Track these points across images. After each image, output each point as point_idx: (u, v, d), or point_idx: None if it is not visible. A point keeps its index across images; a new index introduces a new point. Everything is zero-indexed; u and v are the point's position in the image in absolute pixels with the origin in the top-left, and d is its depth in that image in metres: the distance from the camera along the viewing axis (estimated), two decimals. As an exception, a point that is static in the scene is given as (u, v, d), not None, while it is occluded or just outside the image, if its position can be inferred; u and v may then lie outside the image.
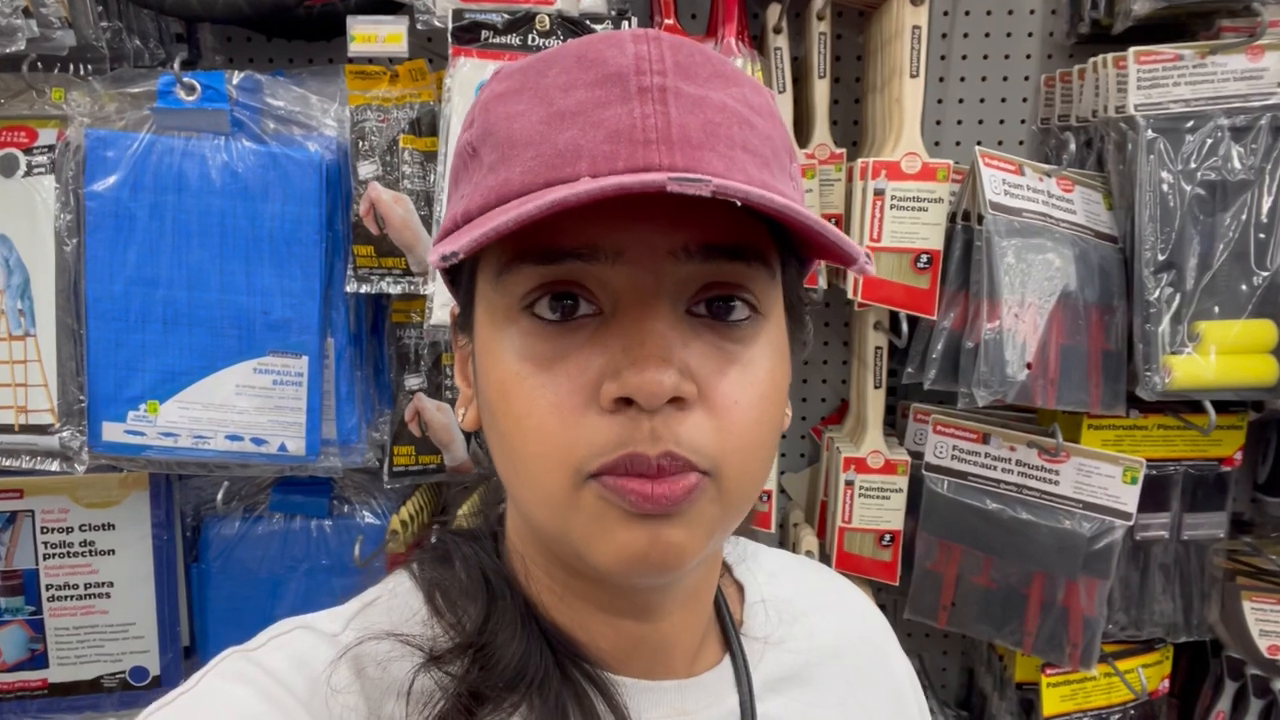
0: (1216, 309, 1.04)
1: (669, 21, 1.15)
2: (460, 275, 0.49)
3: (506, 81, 0.45)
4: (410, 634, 0.48)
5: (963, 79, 1.29)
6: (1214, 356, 1.04)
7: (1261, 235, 1.04)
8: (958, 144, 1.30)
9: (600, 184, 0.37)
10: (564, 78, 0.42)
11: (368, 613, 0.50)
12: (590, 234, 0.41)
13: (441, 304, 0.99)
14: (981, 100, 1.29)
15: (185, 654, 1.21)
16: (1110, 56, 1.09)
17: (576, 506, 0.42)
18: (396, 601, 0.51)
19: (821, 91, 1.18)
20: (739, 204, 0.38)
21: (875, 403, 1.20)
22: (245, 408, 1.05)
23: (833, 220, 1.17)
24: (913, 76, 1.10)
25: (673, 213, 0.40)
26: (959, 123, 1.29)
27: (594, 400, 0.41)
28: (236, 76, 1.02)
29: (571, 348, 0.42)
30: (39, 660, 1.17)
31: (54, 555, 1.15)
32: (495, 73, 0.47)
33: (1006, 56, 1.28)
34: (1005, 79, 1.29)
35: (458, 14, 0.99)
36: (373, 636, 0.47)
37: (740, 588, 0.61)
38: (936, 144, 1.29)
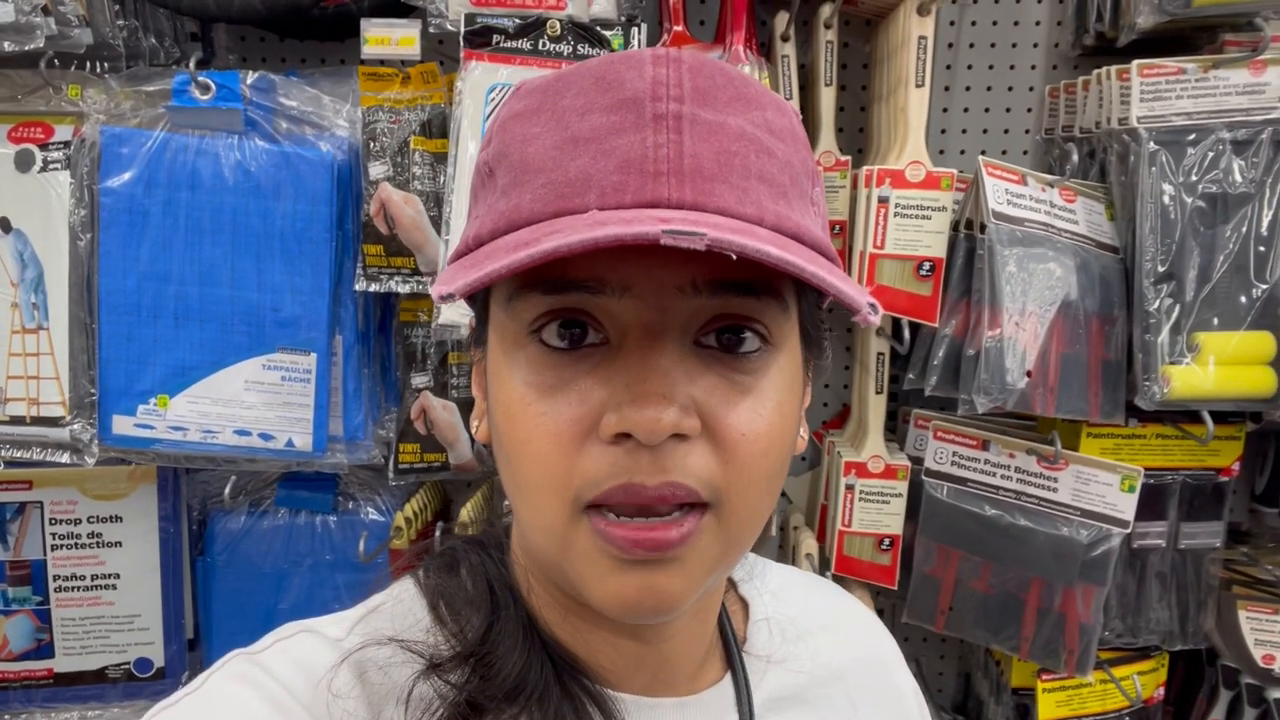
0: (1216, 320, 1.05)
1: (678, 28, 1.16)
2: (476, 292, 0.49)
3: (525, 100, 0.45)
4: (413, 640, 0.48)
5: (968, 89, 1.30)
6: (1212, 367, 1.05)
7: (1261, 248, 1.05)
8: (962, 153, 1.31)
9: (595, 234, 0.36)
10: (580, 100, 0.42)
11: (371, 619, 0.50)
12: (597, 267, 0.41)
13: (449, 304, 1.00)
14: (986, 110, 1.30)
15: (189, 646, 1.22)
16: (1114, 69, 1.10)
17: (573, 541, 0.43)
18: (400, 608, 0.51)
19: (827, 99, 1.19)
20: (734, 257, 0.37)
21: (876, 408, 1.21)
22: (254, 403, 1.06)
23: (836, 227, 1.18)
24: (918, 86, 1.11)
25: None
26: (963, 132, 1.31)
27: (595, 431, 0.41)
28: (251, 76, 1.03)
29: (576, 376, 0.42)
30: (45, 650, 1.18)
31: (62, 546, 1.17)
32: (515, 88, 0.47)
33: (1011, 67, 1.29)
34: (1010, 89, 1.30)
35: (470, 18, 1.00)
36: (375, 642, 0.47)
37: (745, 604, 0.61)
38: (941, 153, 1.30)
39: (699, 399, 0.42)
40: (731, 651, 0.56)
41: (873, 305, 0.42)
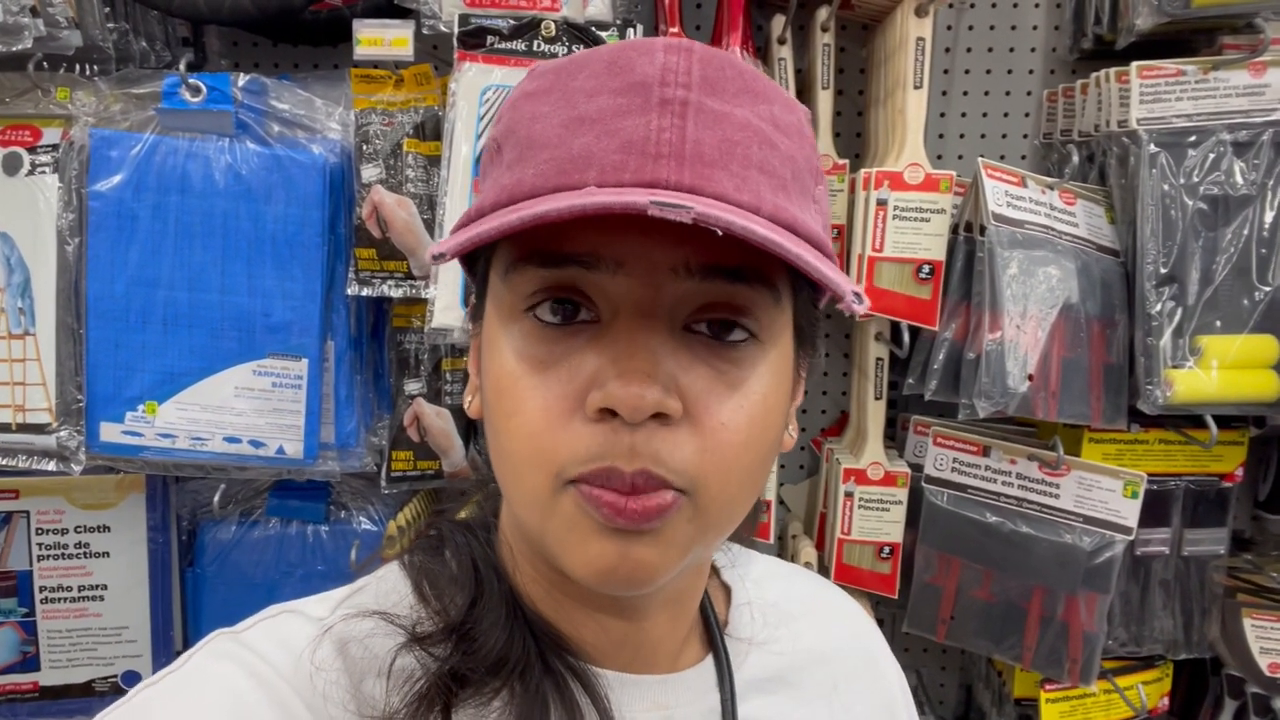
0: (1218, 323, 1.04)
1: (674, 30, 1.15)
2: (478, 264, 0.50)
3: (538, 81, 0.46)
4: (395, 615, 0.49)
5: (966, 92, 1.29)
6: (1215, 371, 1.04)
7: (1263, 250, 1.04)
8: (960, 156, 1.30)
9: (583, 202, 0.37)
10: (591, 82, 0.43)
11: (355, 598, 0.51)
12: (593, 242, 0.41)
13: (443, 308, 0.99)
14: (984, 113, 1.30)
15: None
16: (1113, 71, 1.09)
17: (555, 510, 0.43)
18: (384, 587, 0.52)
19: (825, 103, 1.18)
20: (719, 233, 0.37)
21: (875, 414, 1.20)
22: (244, 410, 1.04)
23: (834, 231, 1.17)
24: (916, 88, 1.10)
25: (678, 228, 0.39)
26: (962, 135, 1.30)
27: (580, 407, 0.42)
28: (242, 79, 1.02)
29: (567, 352, 0.43)
30: (30, 663, 1.16)
31: (48, 557, 1.15)
32: (530, 70, 0.48)
33: (1010, 70, 1.29)
34: (1008, 93, 1.29)
35: (464, 19, 0.99)
36: (357, 615, 0.48)
37: (727, 590, 0.62)
38: (939, 156, 1.30)
39: (684, 384, 0.42)
40: (713, 633, 0.57)
41: (857, 294, 0.43)
